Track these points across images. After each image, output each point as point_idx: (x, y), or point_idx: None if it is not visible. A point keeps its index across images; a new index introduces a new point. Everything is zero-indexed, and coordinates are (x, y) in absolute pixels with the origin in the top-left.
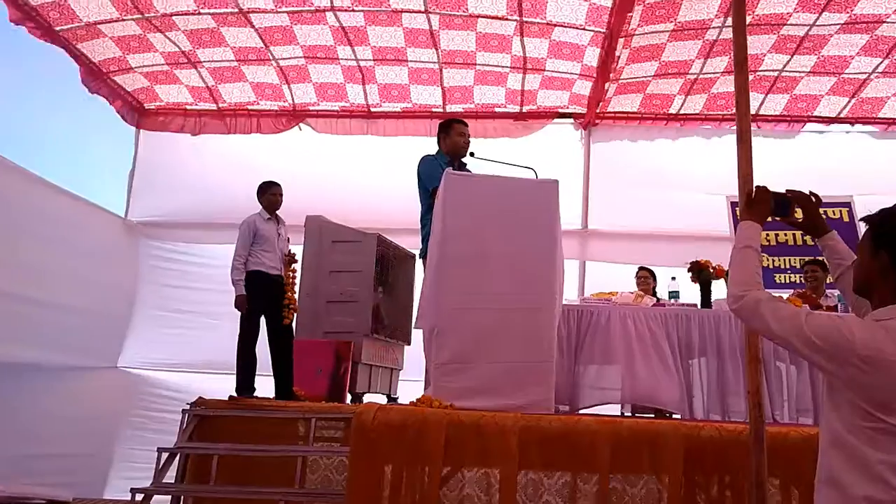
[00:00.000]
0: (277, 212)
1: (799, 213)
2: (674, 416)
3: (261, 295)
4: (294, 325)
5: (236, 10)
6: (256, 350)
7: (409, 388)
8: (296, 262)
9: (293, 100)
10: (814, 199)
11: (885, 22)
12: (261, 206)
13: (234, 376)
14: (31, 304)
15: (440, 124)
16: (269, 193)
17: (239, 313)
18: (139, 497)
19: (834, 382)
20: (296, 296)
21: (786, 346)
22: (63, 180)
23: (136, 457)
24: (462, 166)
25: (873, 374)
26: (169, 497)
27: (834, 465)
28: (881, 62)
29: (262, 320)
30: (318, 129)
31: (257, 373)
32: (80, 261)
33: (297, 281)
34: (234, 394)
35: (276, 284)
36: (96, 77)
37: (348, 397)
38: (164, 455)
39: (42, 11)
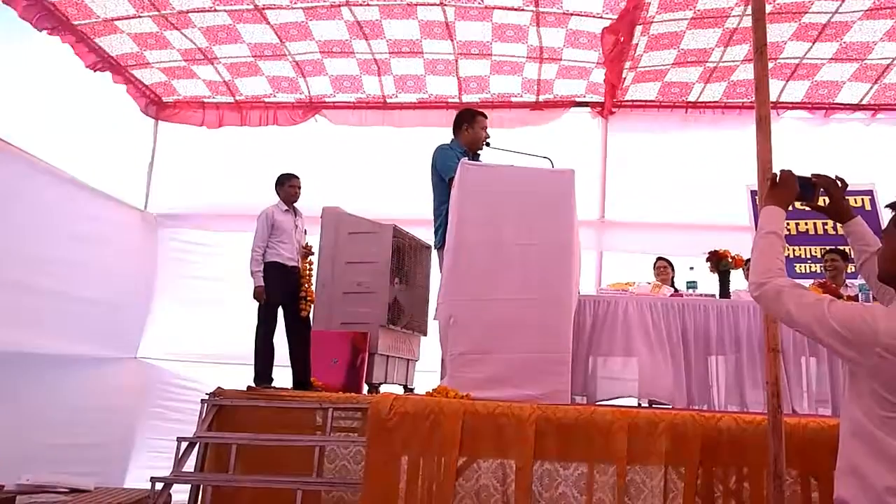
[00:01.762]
0: (295, 204)
1: (823, 199)
2: (691, 406)
3: (278, 286)
4: (311, 316)
5: (251, 6)
6: (274, 341)
7: (426, 379)
8: (312, 253)
9: (309, 92)
10: (839, 184)
11: None
12: (278, 198)
13: (253, 367)
14: (52, 296)
15: (461, 114)
16: (288, 185)
17: (257, 304)
18: (159, 486)
19: (856, 371)
20: (312, 287)
21: (808, 333)
22: (83, 174)
23: (155, 446)
24: (476, 157)
25: None
26: (188, 486)
27: (855, 454)
28: None
29: (280, 311)
30: (334, 121)
31: (275, 364)
32: (100, 253)
33: (314, 272)
34: (253, 384)
35: (294, 275)
36: (114, 71)
37: (365, 388)
38: (184, 444)
39: (60, 7)
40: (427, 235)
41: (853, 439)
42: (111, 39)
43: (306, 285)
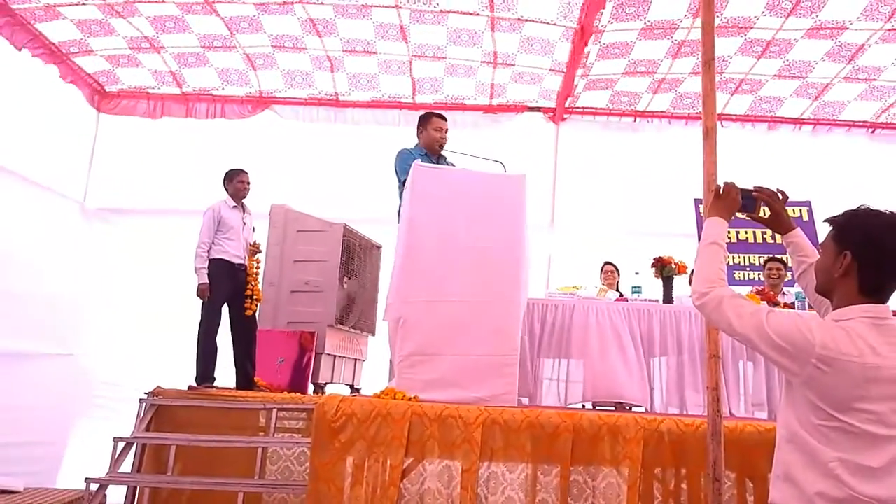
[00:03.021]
0: (244, 200)
1: (764, 211)
2: (634, 409)
3: (223, 283)
4: (257, 315)
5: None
6: (218, 340)
7: (373, 379)
8: (260, 251)
9: (259, 86)
10: (780, 196)
11: (848, 28)
12: (227, 194)
13: (194, 366)
14: None
15: (420, 117)
16: (237, 181)
17: (200, 302)
18: (94, 487)
19: (792, 380)
20: (259, 286)
21: (746, 343)
22: (18, 164)
23: (91, 446)
24: (440, 159)
25: (831, 375)
26: (125, 487)
27: (789, 460)
28: (843, 67)
29: (224, 310)
30: (285, 117)
31: (218, 363)
32: (37, 247)
33: (261, 271)
34: (194, 383)
35: (240, 273)
36: (56, 58)
37: (310, 388)
38: (121, 445)
39: None
40: (378, 234)
41: (787, 445)
42: (53, 25)
43: (253, 283)
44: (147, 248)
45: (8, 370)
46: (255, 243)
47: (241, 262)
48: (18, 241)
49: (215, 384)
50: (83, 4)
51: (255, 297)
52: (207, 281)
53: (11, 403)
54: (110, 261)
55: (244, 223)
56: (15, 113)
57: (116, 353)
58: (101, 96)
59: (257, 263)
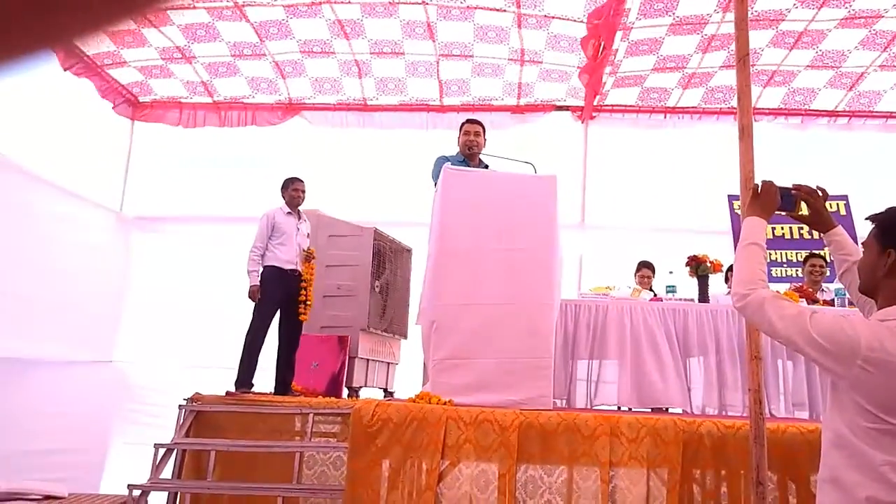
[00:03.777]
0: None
1: (804, 208)
2: (671, 410)
3: (274, 291)
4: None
5: (231, 3)
6: (262, 346)
7: (407, 383)
8: (314, 258)
9: (289, 93)
10: (820, 194)
11: (883, 17)
12: (283, 201)
13: (234, 370)
14: (25, 300)
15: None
16: (291, 189)
17: (239, 308)
18: (136, 493)
19: (838, 383)
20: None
21: (789, 345)
22: (57, 175)
23: (132, 452)
24: (481, 165)
25: (878, 376)
26: (166, 492)
27: (836, 465)
28: (879, 56)
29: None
30: (314, 123)
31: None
32: (75, 256)
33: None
34: (232, 388)
35: (291, 279)
36: (90, 70)
37: (345, 391)
38: (161, 451)
39: None
40: (409, 238)
41: (835, 450)
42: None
43: (309, 289)
44: (184, 254)
45: (49, 377)
46: (309, 249)
47: (294, 267)
48: (57, 251)
49: (252, 389)
50: None
51: (308, 302)
52: (258, 283)
53: (54, 410)
54: (148, 268)
55: (298, 229)
56: (52, 125)
57: (155, 359)
58: (135, 107)
59: (313, 270)
